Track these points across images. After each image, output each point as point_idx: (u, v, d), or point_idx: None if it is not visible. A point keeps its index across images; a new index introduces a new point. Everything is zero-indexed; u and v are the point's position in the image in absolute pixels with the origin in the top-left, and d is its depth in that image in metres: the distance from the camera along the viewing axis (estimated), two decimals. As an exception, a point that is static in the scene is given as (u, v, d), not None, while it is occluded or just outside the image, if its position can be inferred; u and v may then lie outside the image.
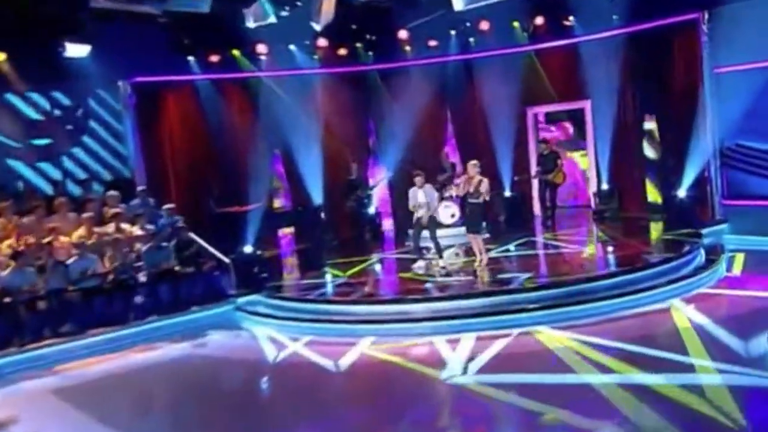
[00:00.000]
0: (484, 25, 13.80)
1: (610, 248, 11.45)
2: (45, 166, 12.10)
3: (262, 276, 10.79)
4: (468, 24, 13.99)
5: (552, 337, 7.57)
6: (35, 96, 12.03)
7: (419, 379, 6.91)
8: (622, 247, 11.19)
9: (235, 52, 13.56)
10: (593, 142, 14.29)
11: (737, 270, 9.84)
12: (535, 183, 14.38)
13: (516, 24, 14.02)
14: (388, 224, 15.01)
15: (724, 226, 11.83)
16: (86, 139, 12.55)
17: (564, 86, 14.49)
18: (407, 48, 14.52)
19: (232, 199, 12.97)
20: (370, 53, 14.81)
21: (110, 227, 10.16)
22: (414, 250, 10.80)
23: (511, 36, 14.20)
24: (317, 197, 14.23)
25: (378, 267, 11.93)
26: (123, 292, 9.57)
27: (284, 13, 12.34)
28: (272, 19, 12.28)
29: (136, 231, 10.36)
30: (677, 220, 11.85)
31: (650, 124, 13.31)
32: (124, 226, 10.30)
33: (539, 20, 13.81)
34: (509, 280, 9.35)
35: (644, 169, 13.47)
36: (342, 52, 14.46)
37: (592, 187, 14.39)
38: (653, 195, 13.34)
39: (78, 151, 12.46)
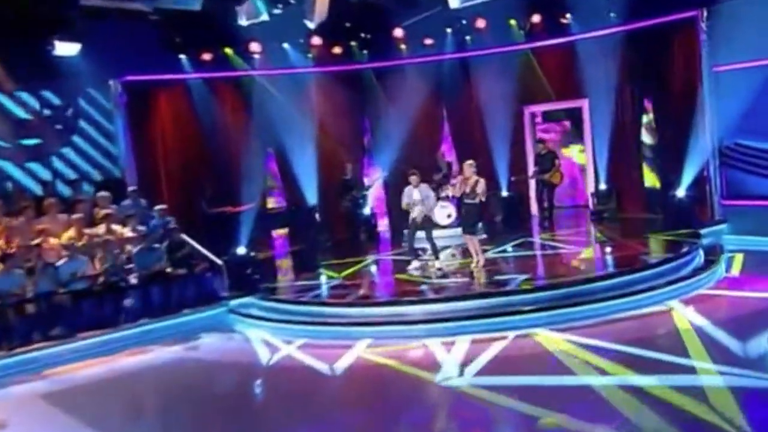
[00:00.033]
0: (481, 23, 13.68)
1: (608, 249, 11.35)
2: (34, 166, 11.95)
3: (256, 278, 10.67)
4: (464, 22, 13.89)
5: (550, 339, 7.48)
6: (24, 95, 11.88)
7: (415, 382, 6.83)
8: (620, 247, 11.08)
9: (228, 51, 13.43)
10: (591, 141, 14.21)
11: (736, 270, 9.79)
12: (533, 183, 14.27)
13: (512, 22, 13.91)
14: (383, 225, 14.91)
15: (723, 226, 11.77)
16: (76, 138, 12.42)
17: (561, 85, 14.42)
18: (402, 46, 14.40)
19: (224, 200, 12.86)
20: (365, 51, 14.71)
21: (101, 228, 10.02)
22: (408, 251, 10.70)
23: (507, 34, 14.08)
24: (312, 197, 14.14)
25: (373, 268, 11.83)
26: (114, 295, 9.43)
27: (277, 11, 12.30)
28: (265, 17, 12.23)
29: (127, 232, 10.21)
30: (676, 220, 11.76)
31: (648, 124, 13.23)
32: (115, 227, 10.16)
33: (536, 18, 13.71)
34: (506, 281, 9.26)
35: (642, 168, 13.39)
36: (336, 50, 14.35)
37: (590, 187, 14.31)
38: (652, 195, 13.26)
39: (68, 151, 12.32)
